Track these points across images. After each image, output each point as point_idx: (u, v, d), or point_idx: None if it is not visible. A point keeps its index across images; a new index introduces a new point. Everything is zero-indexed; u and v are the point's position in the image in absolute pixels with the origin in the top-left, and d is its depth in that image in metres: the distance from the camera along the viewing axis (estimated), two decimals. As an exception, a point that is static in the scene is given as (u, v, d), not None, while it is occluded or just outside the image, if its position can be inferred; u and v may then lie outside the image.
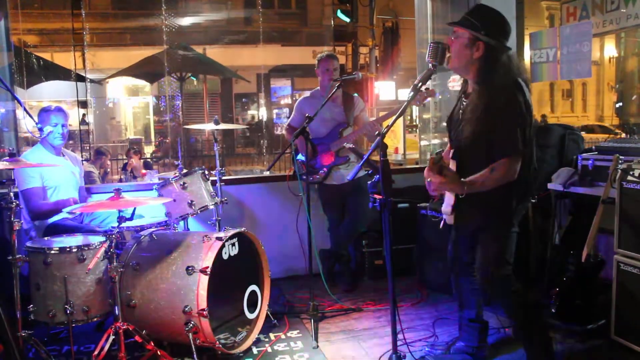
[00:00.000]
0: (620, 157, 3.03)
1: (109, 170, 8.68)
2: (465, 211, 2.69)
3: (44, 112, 3.70)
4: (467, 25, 2.62)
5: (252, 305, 3.40)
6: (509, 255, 2.72)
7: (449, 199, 2.69)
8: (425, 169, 2.54)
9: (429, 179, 2.54)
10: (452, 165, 2.71)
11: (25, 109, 3.27)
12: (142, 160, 8.18)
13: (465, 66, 2.67)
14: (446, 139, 3.17)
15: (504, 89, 2.57)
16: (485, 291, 2.87)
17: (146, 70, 11.80)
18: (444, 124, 3.06)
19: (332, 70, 4.10)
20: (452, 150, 2.78)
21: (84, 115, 9.96)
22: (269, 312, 3.55)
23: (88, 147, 10.51)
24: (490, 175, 2.53)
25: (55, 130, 3.66)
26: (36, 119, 3.52)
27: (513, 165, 2.53)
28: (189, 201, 3.45)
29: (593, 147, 3.88)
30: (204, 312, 2.91)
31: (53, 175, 3.67)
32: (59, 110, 3.74)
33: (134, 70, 11.86)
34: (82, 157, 8.44)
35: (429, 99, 4.31)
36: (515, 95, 2.56)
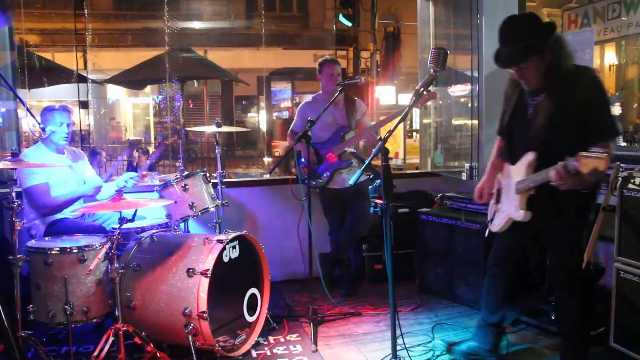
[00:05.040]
0: (621, 165, 3.03)
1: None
2: (542, 208, 2.69)
3: (48, 111, 3.61)
4: (530, 51, 2.52)
5: (252, 308, 3.40)
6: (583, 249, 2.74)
7: (519, 202, 2.67)
8: (553, 174, 2.42)
9: (563, 182, 2.42)
10: (528, 160, 2.66)
11: (27, 109, 3.26)
12: (148, 162, 8.17)
13: (540, 78, 2.60)
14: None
15: (581, 73, 2.54)
16: (561, 287, 2.87)
17: (146, 74, 11.77)
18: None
19: (337, 75, 4.12)
20: (529, 151, 2.68)
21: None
22: (268, 316, 3.56)
23: (89, 147, 10.52)
24: None
25: (59, 130, 3.59)
26: (39, 118, 3.50)
27: (613, 148, 2.49)
28: (190, 203, 3.46)
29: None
30: (204, 315, 2.91)
31: (54, 173, 3.62)
32: (64, 109, 3.65)
33: (134, 75, 11.78)
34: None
35: (430, 102, 4.31)
36: (596, 76, 2.54)
